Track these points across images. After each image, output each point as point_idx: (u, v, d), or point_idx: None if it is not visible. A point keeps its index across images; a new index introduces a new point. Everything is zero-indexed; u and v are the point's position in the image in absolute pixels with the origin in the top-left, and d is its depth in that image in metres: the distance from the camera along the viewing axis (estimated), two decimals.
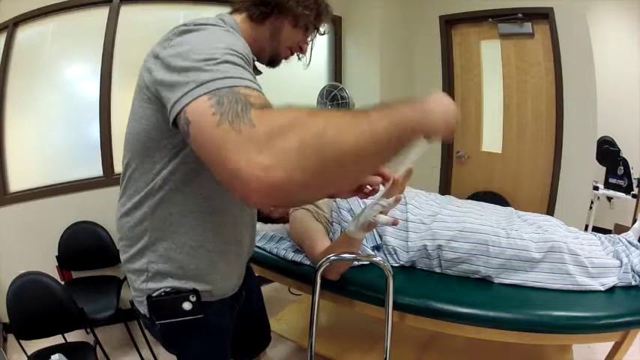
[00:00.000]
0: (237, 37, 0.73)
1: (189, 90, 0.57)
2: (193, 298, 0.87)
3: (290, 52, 0.95)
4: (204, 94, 0.55)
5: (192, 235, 0.85)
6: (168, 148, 0.76)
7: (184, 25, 0.70)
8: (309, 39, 0.96)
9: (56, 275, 2.09)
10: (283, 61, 0.97)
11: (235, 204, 0.89)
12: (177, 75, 0.61)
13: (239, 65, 0.61)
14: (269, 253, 1.56)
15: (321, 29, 0.97)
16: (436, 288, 1.33)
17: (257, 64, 0.96)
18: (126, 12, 2.24)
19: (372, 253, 1.43)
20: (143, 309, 0.90)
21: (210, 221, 0.86)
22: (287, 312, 1.99)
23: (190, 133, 0.55)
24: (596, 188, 2.91)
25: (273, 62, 0.96)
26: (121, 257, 0.91)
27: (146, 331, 2.01)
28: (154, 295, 0.86)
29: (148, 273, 0.86)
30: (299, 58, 0.99)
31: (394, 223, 1.10)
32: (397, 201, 1.05)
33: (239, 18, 0.88)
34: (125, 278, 2.22)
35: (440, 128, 0.67)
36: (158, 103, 0.69)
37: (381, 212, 1.08)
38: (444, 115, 0.68)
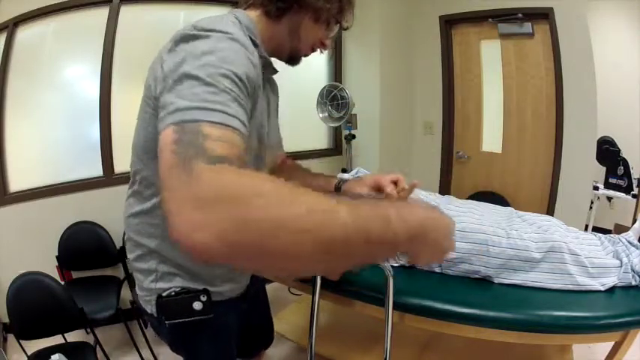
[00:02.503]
0: (241, 50, 0.66)
1: (166, 114, 0.55)
2: (204, 298, 0.86)
3: (311, 49, 0.89)
4: (172, 124, 0.53)
5: None
6: None
7: (192, 27, 0.66)
8: (331, 34, 0.89)
9: (56, 275, 2.09)
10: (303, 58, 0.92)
11: None
12: (167, 92, 0.58)
13: (224, 90, 0.57)
14: None
15: (344, 24, 0.89)
16: (436, 288, 1.33)
17: (275, 61, 0.90)
18: (126, 12, 2.24)
19: None
20: (150, 308, 0.88)
21: None
22: (287, 312, 1.99)
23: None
24: (596, 188, 2.91)
25: (292, 60, 0.90)
26: (128, 255, 0.90)
27: (146, 331, 2.02)
28: (164, 294, 0.85)
29: (157, 273, 0.85)
30: (321, 52, 0.93)
31: None
32: None
33: (254, 14, 0.82)
34: (125, 278, 2.23)
35: (428, 255, 0.58)
36: None
37: None
38: (437, 237, 0.56)
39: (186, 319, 0.86)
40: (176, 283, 0.85)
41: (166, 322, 0.87)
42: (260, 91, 0.75)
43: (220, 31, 0.65)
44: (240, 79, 0.61)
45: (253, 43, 0.75)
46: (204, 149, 0.48)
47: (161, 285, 0.85)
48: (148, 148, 0.76)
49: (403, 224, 0.49)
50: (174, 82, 0.58)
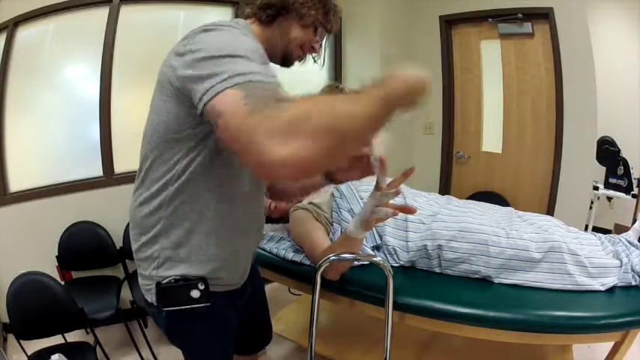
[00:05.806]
0: (252, 38, 0.81)
1: (218, 82, 0.63)
2: (202, 286, 0.89)
3: (301, 50, 0.98)
4: (233, 86, 0.62)
5: (204, 223, 0.87)
6: (187, 140, 0.80)
7: (204, 25, 0.77)
8: (319, 39, 0.99)
9: (56, 275, 2.09)
10: (297, 62, 1.01)
11: (245, 193, 0.92)
12: (203, 68, 0.67)
13: (260, 63, 0.69)
14: (269, 253, 1.56)
15: (328, 27, 0.99)
16: (436, 288, 1.33)
17: (271, 65, 0.99)
18: (126, 12, 2.24)
19: (372, 253, 1.43)
20: (151, 297, 0.92)
21: (221, 209, 0.88)
22: (287, 312, 1.99)
23: (220, 123, 0.62)
24: (596, 188, 2.91)
25: (285, 62, 0.99)
26: (132, 246, 0.93)
27: (146, 331, 2.02)
28: (164, 282, 0.88)
29: (159, 260, 0.88)
30: (315, 60, 1.03)
31: (393, 214, 1.10)
32: (397, 194, 1.06)
33: (250, 22, 0.95)
34: (125, 278, 2.23)
35: (401, 90, 0.73)
36: (180, 97, 0.75)
37: (377, 206, 1.08)
38: (407, 77, 0.76)
39: (184, 307, 0.89)
40: (176, 272, 0.88)
41: (164, 309, 0.90)
42: None
43: (233, 26, 0.79)
44: (261, 55, 0.75)
45: None
46: (274, 96, 0.61)
47: (161, 273, 0.88)
48: (160, 131, 0.82)
49: (393, 94, 0.70)
50: (211, 61, 0.68)
